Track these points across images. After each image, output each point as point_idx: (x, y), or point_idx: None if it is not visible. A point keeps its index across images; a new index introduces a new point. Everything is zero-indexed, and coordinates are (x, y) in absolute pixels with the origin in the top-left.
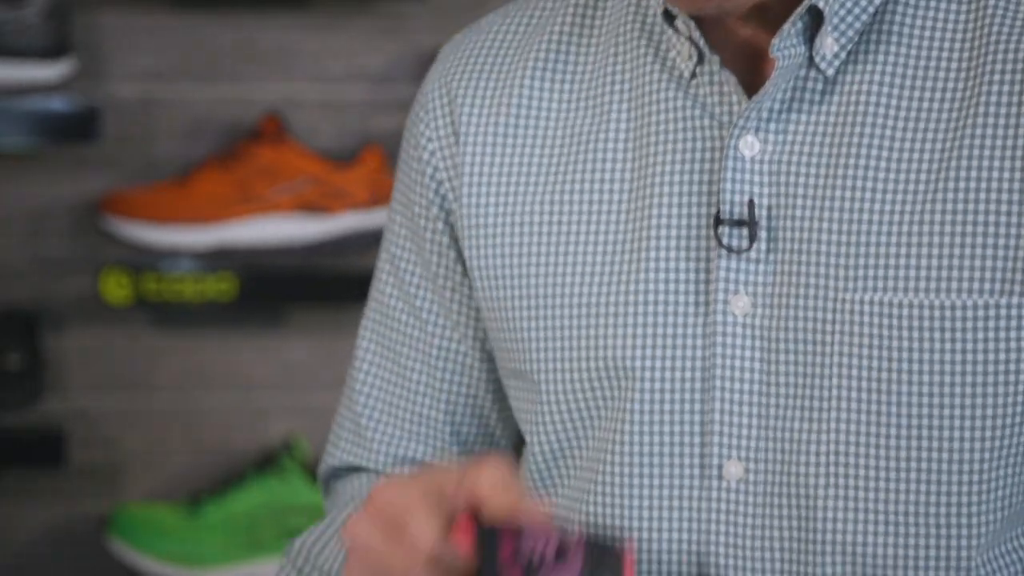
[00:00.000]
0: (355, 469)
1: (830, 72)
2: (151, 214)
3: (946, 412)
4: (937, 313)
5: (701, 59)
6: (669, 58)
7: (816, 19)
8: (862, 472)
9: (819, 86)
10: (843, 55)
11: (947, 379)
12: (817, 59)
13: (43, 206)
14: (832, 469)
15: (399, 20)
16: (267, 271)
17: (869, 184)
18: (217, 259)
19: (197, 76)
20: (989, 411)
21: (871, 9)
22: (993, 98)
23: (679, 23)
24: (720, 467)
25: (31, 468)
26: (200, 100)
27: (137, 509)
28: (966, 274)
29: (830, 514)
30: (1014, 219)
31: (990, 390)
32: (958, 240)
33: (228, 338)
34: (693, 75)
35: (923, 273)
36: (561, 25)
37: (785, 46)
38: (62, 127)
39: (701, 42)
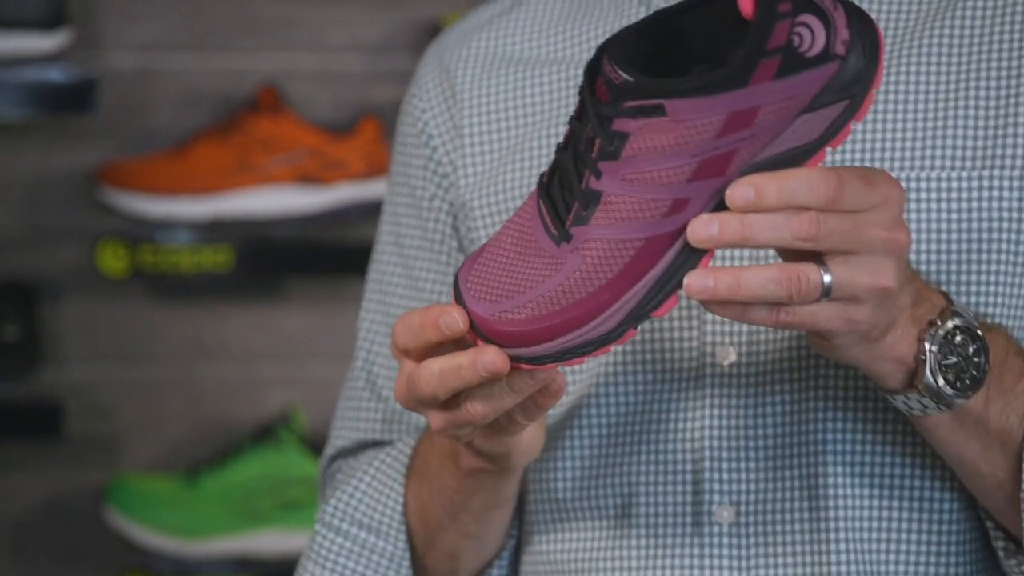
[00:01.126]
0: (363, 447)
1: None
2: (148, 185)
3: (932, 280)
4: (924, 185)
5: None
6: (653, 4)
7: None
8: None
9: None
10: None
11: (933, 247)
12: None
13: (40, 177)
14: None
15: None
16: (264, 242)
17: None
18: (214, 230)
19: (194, 47)
20: (973, 277)
21: None
22: None
23: None
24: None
25: (28, 439)
26: (197, 71)
27: (134, 480)
28: (948, 152)
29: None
30: (992, 101)
31: (973, 256)
32: (935, 122)
33: (225, 309)
34: None
35: (908, 152)
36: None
37: None
38: (59, 98)
39: None
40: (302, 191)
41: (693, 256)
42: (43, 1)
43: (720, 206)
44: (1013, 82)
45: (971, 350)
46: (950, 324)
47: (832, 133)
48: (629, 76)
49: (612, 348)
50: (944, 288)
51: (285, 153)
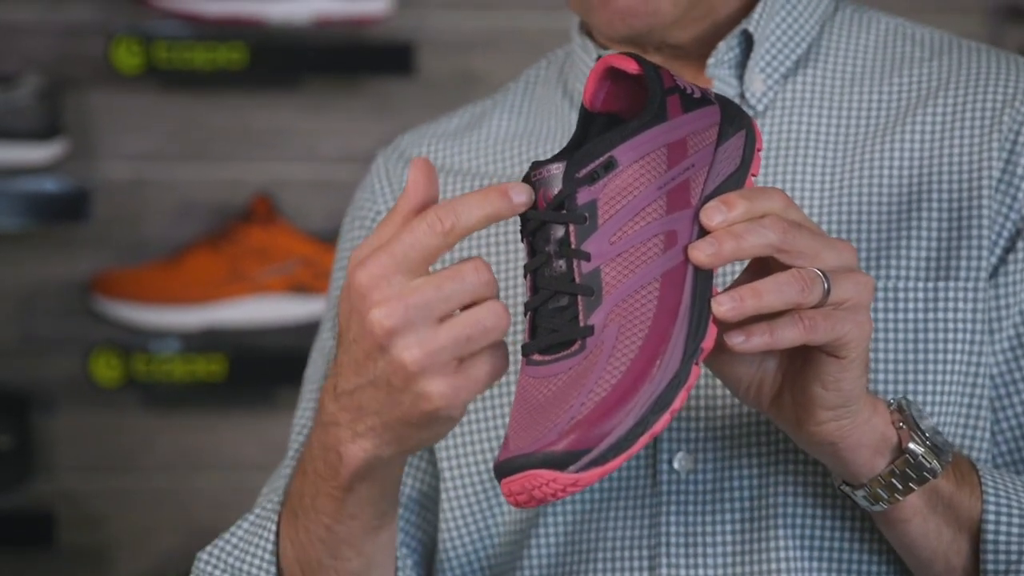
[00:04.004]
0: None
1: (760, 108)
2: (141, 295)
3: (890, 388)
4: (880, 295)
5: None
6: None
7: (748, 47)
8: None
9: None
10: (771, 94)
11: (891, 356)
12: (747, 95)
13: (34, 286)
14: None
15: (388, 100)
16: (257, 352)
17: (807, 194)
18: (207, 340)
19: (188, 157)
20: (929, 387)
21: (798, 51)
22: (928, 109)
23: None
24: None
25: (20, 549)
26: (191, 181)
27: None
28: (903, 262)
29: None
30: (945, 212)
31: (929, 367)
32: (891, 233)
33: (218, 419)
34: None
35: (864, 262)
36: (494, 112)
37: (718, 64)
38: (53, 208)
39: None
40: (295, 300)
41: (707, 283)
42: (38, 112)
43: (701, 236)
44: (965, 193)
45: (933, 421)
46: (905, 400)
47: (748, 160)
48: (565, 158)
49: (687, 397)
50: (899, 396)
51: (278, 263)
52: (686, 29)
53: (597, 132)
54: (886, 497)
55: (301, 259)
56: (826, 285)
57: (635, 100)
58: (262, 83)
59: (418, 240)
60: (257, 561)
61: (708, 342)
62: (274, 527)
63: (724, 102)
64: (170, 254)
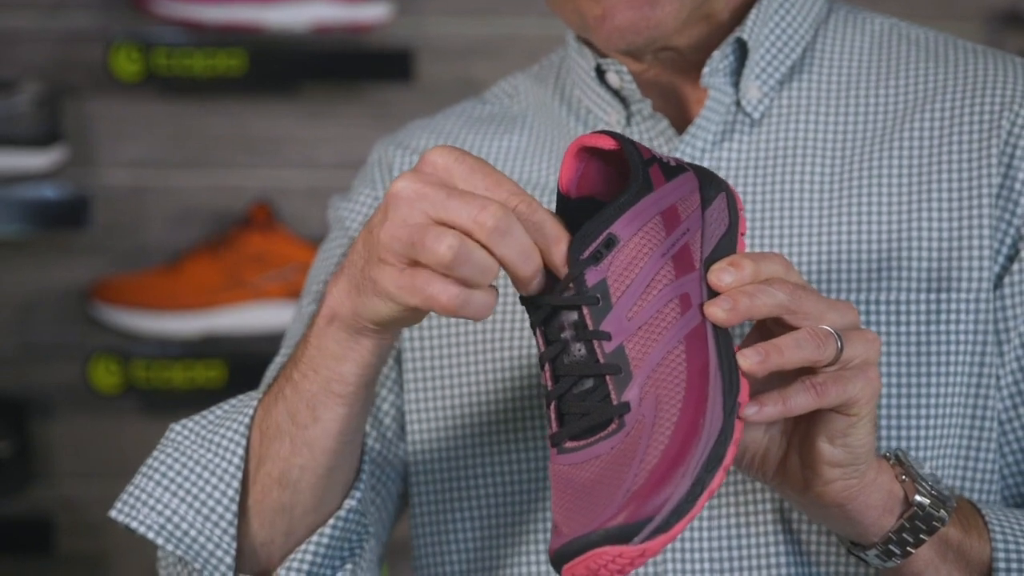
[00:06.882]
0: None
1: (756, 115)
2: (140, 301)
3: (892, 401)
4: (882, 308)
5: (628, 121)
6: (599, 127)
7: (743, 55)
8: None
9: (746, 127)
10: (767, 101)
11: (893, 369)
12: (743, 103)
13: (33, 293)
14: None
15: (387, 107)
16: (256, 358)
17: (807, 204)
18: (207, 346)
19: (187, 164)
20: (932, 400)
21: (793, 56)
22: (926, 114)
23: (611, 76)
24: None
25: (19, 556)
26: (190, 188)
27: None
28: (903, 274)
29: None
30: (944, 223)
31: (932, 379)
32: (890, 244)
33: None
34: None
35: (865, 275)
36: (496, 123)
37: (713, 72)
38: (52, 214)
39: (633, 86)
40: (294, 307)
41: (728, 340)
42: (37, 119)
43: (711, 296)
44: (965, 202)
45: (927, 468)
46: (900, 451)
47: (735, 221)
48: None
49: (736, 452)
50: (903, 410)
51: (277, 269)
52: (683, 34)
53: (576, 216)
54: (899, 553)
55: (300, 265)
56: (839, 343)
57: (609, 179)
58: (261, 90)
59: (496, 183)
60: (230, 434)
61: (744, 396)
62: (255, 404)
63: (697, 168)
64: (169, 261)
